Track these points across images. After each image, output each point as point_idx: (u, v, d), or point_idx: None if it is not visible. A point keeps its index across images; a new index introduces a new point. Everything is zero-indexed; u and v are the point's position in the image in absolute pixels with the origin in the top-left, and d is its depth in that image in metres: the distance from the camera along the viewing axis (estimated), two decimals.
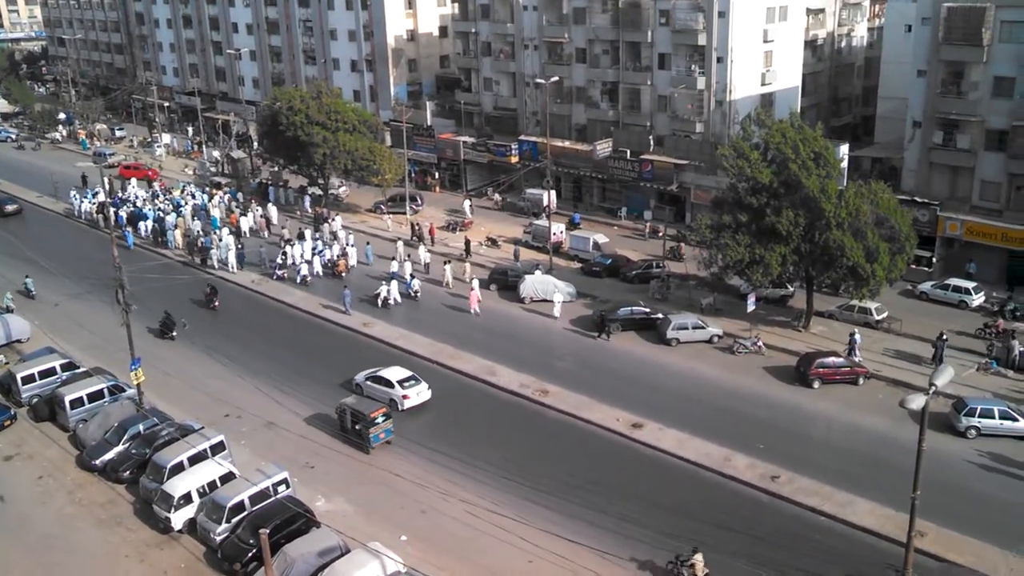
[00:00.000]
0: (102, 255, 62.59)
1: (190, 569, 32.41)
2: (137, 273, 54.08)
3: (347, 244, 64.78)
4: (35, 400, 43.52)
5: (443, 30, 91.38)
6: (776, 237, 46.92)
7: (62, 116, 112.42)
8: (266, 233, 70.48)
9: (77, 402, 41.75)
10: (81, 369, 45.30)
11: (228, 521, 33.04)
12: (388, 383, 43.65)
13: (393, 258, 61.66)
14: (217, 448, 37.17)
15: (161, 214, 72.06)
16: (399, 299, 56.28)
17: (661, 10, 68.16)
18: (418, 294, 57.16)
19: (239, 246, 64.59)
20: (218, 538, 32.89)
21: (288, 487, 35.02)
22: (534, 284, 55.34)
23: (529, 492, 35.79)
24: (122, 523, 35.09)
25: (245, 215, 72.38)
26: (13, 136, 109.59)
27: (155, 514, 34.51)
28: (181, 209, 73.76)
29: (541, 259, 60.96)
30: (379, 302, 55.71)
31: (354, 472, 37.53)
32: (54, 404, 42.34)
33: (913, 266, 54.13)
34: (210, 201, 76.26)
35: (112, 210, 70.81)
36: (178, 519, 34.03)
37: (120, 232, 67.43)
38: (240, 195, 78.80)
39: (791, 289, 53.44)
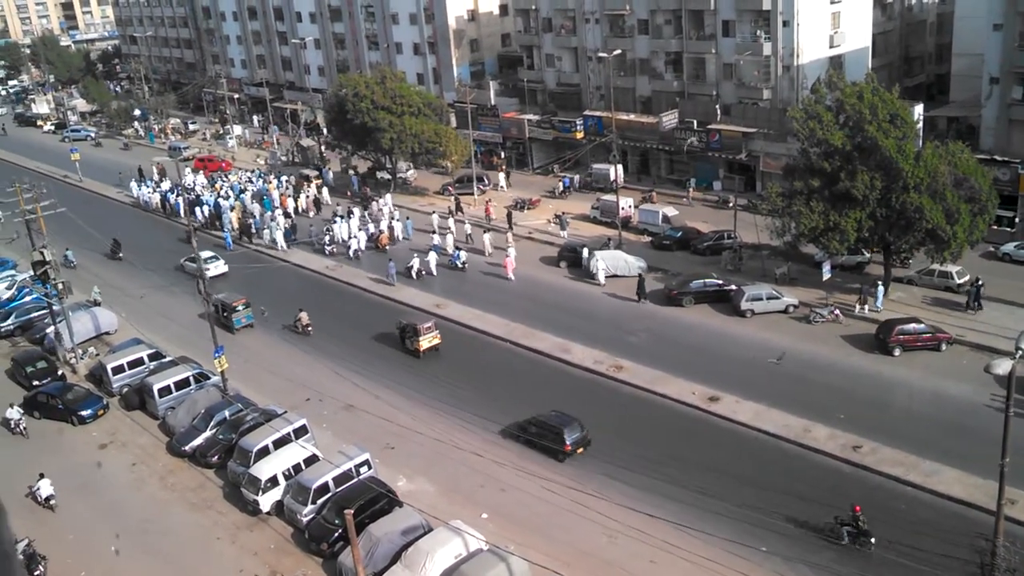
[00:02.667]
0: (176, 245, 64.70)
1: (279, 549, 33.42)
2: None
3: (392, 220, 67.06)
4: (125, 390, 45.12)
5: (504, 8, 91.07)
6: (851, 202, 45.96)
7: (137, 112, 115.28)
8: (312, 213, 73.33)
9: (165, 390, 43.22)
10: (167, 358, 46.79)
11: (314, 502, 33.97)
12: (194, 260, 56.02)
13: (434, 231, 63.64)
14: (300, 432, 38.16)
15: (221, 199, 74.61)
16: (434, 271, 58.01)
17: None
18: (466, 264, 58.70)
19: (288, 226, 67.62)
20: (305, 519, 33.85)
21: (370, 468, 35.80)
22: (604, 260, 55.18)
23: (606, 468, 35.98)
24: (212, 506, 36.31)
25: (296, 198, 74.86)
26: (92, 134, 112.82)
27: (243, 497, 35.63)
28: (242, 195, 76.21)
29: (611, 234, 60.76)
30: (413, 274, 57.52)
31: (434, 452, 38.10)
32: (143, 393, 43.90)
33: (995, 227, 52.57)
34: (273, 186, 78.54)
35: (173, 197, 75.86)
36: (266, 501, 35.07)
37: (198, 224, 69.49)
38: (292, 179, 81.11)
39: (867, 255, 52.36)
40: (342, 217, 68.02)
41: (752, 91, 67.75)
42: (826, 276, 50.21)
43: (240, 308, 51.89)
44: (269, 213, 71.05)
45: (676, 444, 37.57)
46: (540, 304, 52.63)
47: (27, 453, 40.97)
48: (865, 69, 62.68)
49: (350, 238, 64.06)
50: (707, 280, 51.17)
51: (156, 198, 78.69)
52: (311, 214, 73.38)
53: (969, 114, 62.20)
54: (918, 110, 58.36)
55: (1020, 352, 24.89)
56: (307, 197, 75.45)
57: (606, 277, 54.70)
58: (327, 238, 64.79)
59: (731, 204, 60.50)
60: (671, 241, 59.41)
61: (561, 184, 73.74)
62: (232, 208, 72.35)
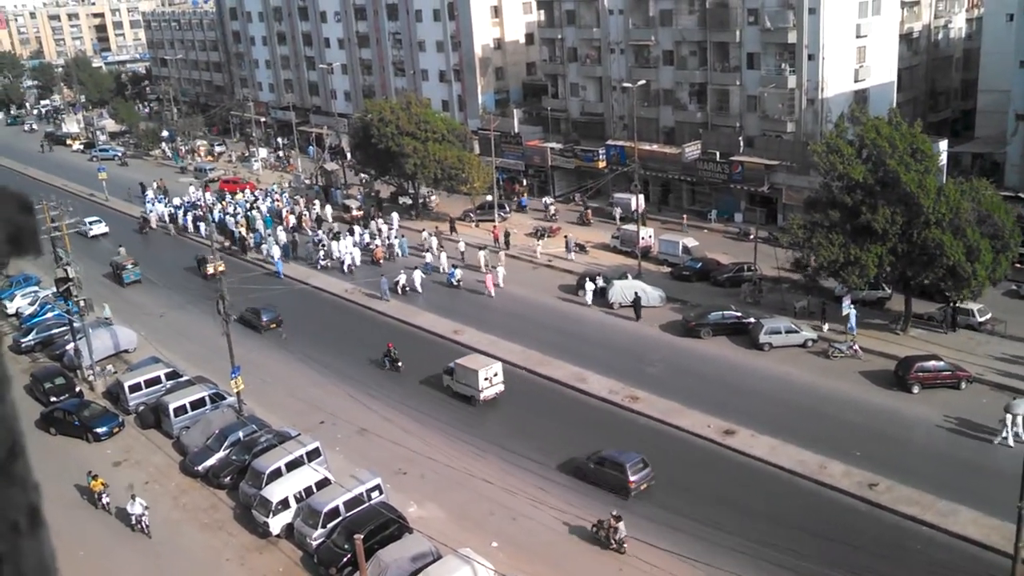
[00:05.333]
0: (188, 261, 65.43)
1: (288, 573, 33.32)
2: (236, 285, 55.94)
3: (391, 238, 69.86)
4: (141, 408, 45.36)
5: (529, 37, 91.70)
6: (872, 236, 45.70)
7: (165, 134, 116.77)
8: (311, 230, 75.30)
9: (180, 410, 43.38)
10: (184, 378, 47.04)
11: (324, 526, 33.86)
12: (85, 224, 72.90)
13: (427, 249, 65.80)
14: (313, 454, 38.13)
15: (228, 216, 77.48)
16: (419, 288, 60.18)
17: (749, 9, 67.13)
18: (460, 283, 60.72)
19: (288, 241, 70.58)
20: (314, 543, 33.74)
21: (381, 493, 35.69)
22: (623, 289, 55.11)
23: (618, 500, 35.70)
24: (223, 527, 36.29)
25: (300, 216, 77.76)
26: (119, 154, 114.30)
27: (254, 519, 35.59)
28: (249, 213, 78.59)
29: (630, 264, 60.73)
30: (399, 289, 59.73)
31: (446, 478, 38.00)
32: (159, 412, 44.08)
33: (1018, 265, 52.05)
34: (281, 203, 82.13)
35: (180, 213, 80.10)
36: (276, 524, 35.00)
37: (219, 241, 70.86)
38: (298, 197, 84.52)
39: (888, 291, 51.97)
40: (338, 235, 70.63)
41: (776, 124, 67.73)
42: (846, 311, 49.82)
43: (129, 267, 64.13)
44: (270, 230, 73.51)
45: (690, 477, 37.23)
46: (556, 332, 52.52)
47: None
48: (890, 103, 62.58)
49: (344, 254, 66.22)
50: (725, 312, 50.92)
51: (161, 212, 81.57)
52: (309, 232, 75.08)
53: (994, 151, 61.90)
54: (943, 145, 58.09)
55: None
56: (307, 214, 78.22)
57: (621, 306, 54.66)
58: (321, 253, 67.37)
59: (752, 236, 60.32)
60: (691, 272, 59.25)
61: (517, 203, 77.17)
62: (237, 224, 75.20)
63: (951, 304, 48.17)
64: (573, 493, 36.33)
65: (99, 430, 43.35)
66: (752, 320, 50.00)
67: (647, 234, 64.03)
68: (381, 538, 32.70)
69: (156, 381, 46.66)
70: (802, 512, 34.37)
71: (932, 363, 43.32)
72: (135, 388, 46.14)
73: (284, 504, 35.23)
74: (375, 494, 35.45)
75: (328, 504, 34.30)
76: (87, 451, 42.66)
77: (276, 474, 36.63)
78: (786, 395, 43.58)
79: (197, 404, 43.93)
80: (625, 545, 32.62)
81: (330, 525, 33.92)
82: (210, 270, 60.96)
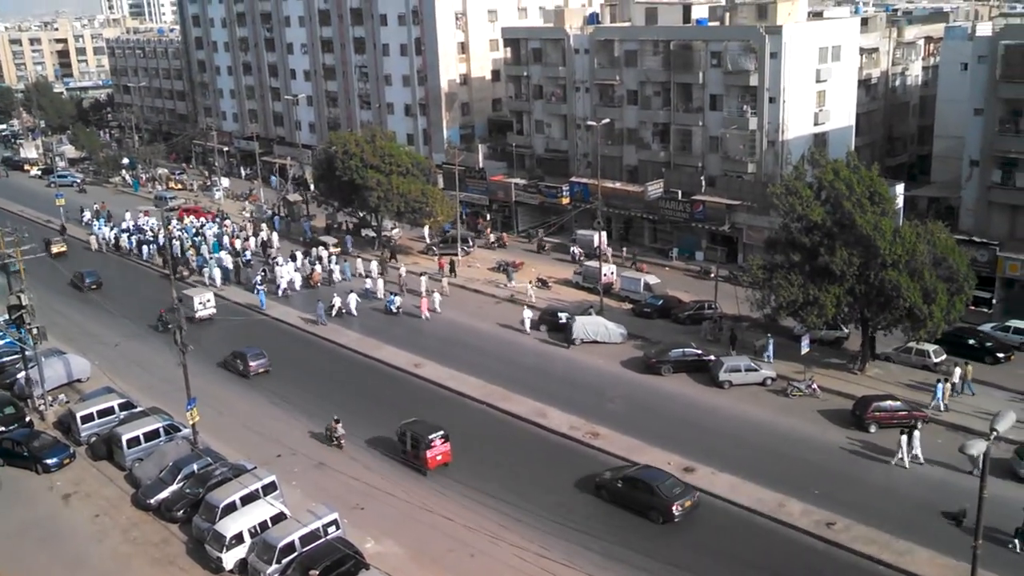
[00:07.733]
0: (154, 292, 64.51)
1: None
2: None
3: (330, 264, 71.51)
4: (93, 439, 44.32)
5: (496, 74, 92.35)
6: (830, 277, 46.30)
7: (125, 161, 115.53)
8: (248, 255, 76.66)
9: (134, 441, 42.44)
10: (138, 408, 46.11)
11: (279, 562, 33.22)
12: None
13: (367, 275, 67.76)
14: (269, 488, 37.47)
15: (176, 241, 77.78)
16: (354, 311, 61.94)
17: (713, 52, 68.20)
18: (400, 309, 62.17)
19: (231, 266, 72.12)
20: None
21: (338, 528, 35.12)
22: (584, 326, 55.23)
23: (579, 536, 35.50)
24: (175, 562, 35.46)
25: (247, 241, 79.33)
26: (78, 180, 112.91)
27: (207, 554, 34.82)
28: (196, 237, 80.00)
29: (592, 300, 60.96)
30: (334, 312, 61.69)
31: (404, 514, 37.53)
32: (111, 443, 43.09)
33: (972, 308, 52.93)
34: (228, 230, 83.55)
35: (125, 236, 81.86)
36: (230, 559, 34.28)
37: (192, 269, 73.24)
38: (246, 223, 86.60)
39: (846, 331, 52.57)
40: (276, 260, 72.14)
41: (737, 164, 68.61)
42: (804, 350, 50.30)
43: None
44: (216, 254, 74.49)
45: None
46: (518, 367, 52.38)
47: None
48: (848, 147, 63.75)
49: (280, 279, 67.84)
50: (686, 349, 51.17)
51: (107, 235, 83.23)
52: (248, 255, 76.15)
53: (949, 195, 63.16)
54: (899, 189, 59.16)
55: (994, 434, 24.86)
56: (253, 238, 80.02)
57: (583, 342, 54.74)
58: (258, 278, 68.49)
59: (712, 275, 60.84)
60: (652, 309, 59.52)
61: (441, 230, 77.50)
62: (184, 248, 76.37)
63: (869, 335, 49.46)
64: (533, 530, 36.02)
65: (49, 461, 42.28)
66: (712, 358, 50.28)
67: (609, 271, 64.35)
68: (337, 574, 32.21)
69: (109, 411, 45.63)
70: (760, 551, 34.37)
71: (888, 403, 43.77)
72: (87, 418, 45.10)
73: (238, 539, 34.53)
74: (332, 529, 34.88)
75: (284, 539, 33.67)
76: (36, 482, 41.61)
77: (231, 508, 35.89)
78: (746, 433, 43.74)
79: (151, 436, 42.99)
80: (343, 442, 42.12)
81: (285, 561, 33.29)
82: (54, 249, 76.20)
